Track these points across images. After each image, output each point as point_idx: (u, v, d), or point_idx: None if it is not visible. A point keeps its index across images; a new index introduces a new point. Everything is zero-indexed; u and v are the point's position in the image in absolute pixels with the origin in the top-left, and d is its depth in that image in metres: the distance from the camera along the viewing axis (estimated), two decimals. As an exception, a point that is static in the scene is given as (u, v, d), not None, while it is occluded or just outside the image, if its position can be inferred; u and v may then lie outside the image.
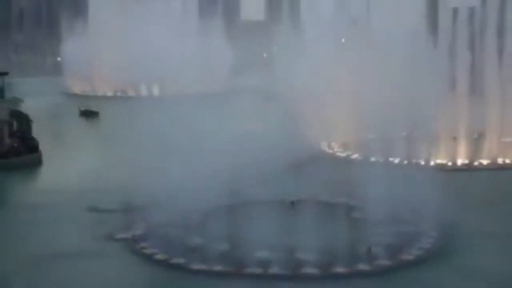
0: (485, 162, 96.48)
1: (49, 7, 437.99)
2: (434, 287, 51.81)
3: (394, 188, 78.76)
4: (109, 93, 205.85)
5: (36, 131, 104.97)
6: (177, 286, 53.11)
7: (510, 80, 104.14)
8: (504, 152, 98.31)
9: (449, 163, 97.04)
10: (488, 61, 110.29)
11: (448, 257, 57.54)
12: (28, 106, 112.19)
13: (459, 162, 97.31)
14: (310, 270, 53.41)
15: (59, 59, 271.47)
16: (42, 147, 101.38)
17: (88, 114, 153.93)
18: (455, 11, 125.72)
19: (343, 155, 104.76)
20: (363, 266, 54.62)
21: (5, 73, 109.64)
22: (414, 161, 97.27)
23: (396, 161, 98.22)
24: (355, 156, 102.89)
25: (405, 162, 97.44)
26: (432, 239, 61.59)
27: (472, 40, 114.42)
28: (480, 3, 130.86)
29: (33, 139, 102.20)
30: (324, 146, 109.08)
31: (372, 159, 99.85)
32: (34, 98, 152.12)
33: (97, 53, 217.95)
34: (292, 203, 72.50)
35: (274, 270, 53.55)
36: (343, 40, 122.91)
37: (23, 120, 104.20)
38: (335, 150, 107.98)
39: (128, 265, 56.96)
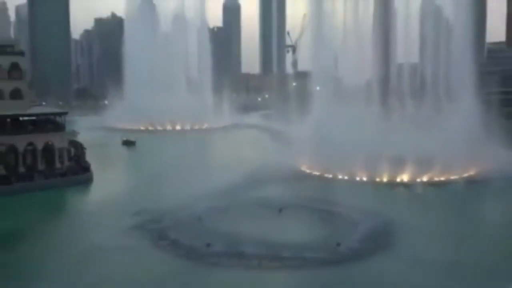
0: (425, 179, 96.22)
1: (99, 64, 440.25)
2: (386, 271, 51.54)
3: (355, 198, 79.05)
4: (142, 127, 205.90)
5: (89, 156, 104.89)
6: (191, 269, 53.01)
7: (449, 120, 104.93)
8: (439, 172, 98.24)
9: (398, 180, 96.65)
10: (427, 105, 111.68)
11: (397, 249, 57.60)
12: (82, 137, 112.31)
13: (406, 178, 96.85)
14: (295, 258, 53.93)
15: (106, 102, 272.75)
16: (93, 168, 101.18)
17: (128, 143, 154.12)
18: (401, 66, 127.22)
19: (317, 174, 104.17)
20: (332, 256, 54.81)
21: (65, 113, 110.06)
22: (372, 178, 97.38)
23: (358, 178, 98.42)
24: (326, 175, 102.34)
25: (364, 179, 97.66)
26: (385, 237, 61.52)
27: (414, 87, 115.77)
28: (419, 60, 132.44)
29: (86, 162, 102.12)
30: (303, 168, 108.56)
31: (339, 176, 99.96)
32: (87, 131, 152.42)
33: (134, 98, 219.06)
34: (280, 210, 72.29)
35: (264, 255, 53.89)
36: (318, 88, 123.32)
37: (79, 148, 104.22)
38: (312, 170, 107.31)
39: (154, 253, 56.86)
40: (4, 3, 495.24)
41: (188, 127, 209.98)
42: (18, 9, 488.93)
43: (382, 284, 49.54)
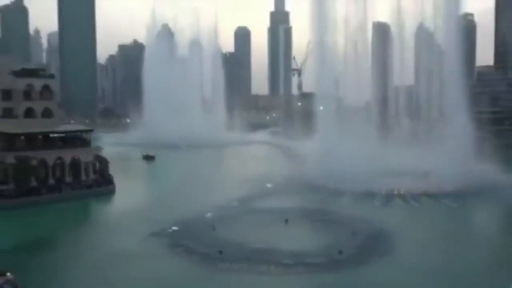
0: (420, 191, 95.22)
1: (122, 86, 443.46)
2: (384, 277, 50.88)
3: (356, 209, 78.33)
4: (161, 143, 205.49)
5: (112, 169, 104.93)
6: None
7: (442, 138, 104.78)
8: (433, 184, 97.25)
9: (395, 192, 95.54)
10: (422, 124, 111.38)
11: (394, 256, 56.94)
12: (106, 152, 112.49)
13: (402, 191, 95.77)
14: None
15: (128, 120, 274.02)
16: (116, 180, 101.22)
17: (148, 158, 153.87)
18: (397, 88, 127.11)
19: (321, 185, 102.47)
20: (335, 263, 54.31)
21: (91, 130, 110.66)
22: (371, 190, 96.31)
23: (358, 190, 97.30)
24: (330, 186, 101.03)
25: (364, 190, 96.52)
26: (384, 245, 60.97)
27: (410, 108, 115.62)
28: (414, 82, 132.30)
29: (109, 175, 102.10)
30: (309, 179, 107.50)
31: (342, 188, 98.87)
32: (110, 147, 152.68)
33: (153, 116, 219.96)
34: (286, 220, 71.64)
35: (271, 262, 53.60)
36: (321, 107, 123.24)
37: (103, 162, 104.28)
38: (316, 182, 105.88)
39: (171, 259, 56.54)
40: (38, 32, 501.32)
41: (203, 143, 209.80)
42: (49, 36, 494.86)
43: (380, 286, 49.04)
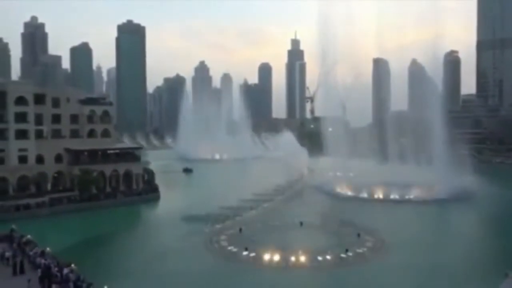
0: (411, 197, 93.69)
1: (166, 111, 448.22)
2: (384, 272, 49.78)
3: (359, 213, 76.97)
4: (198, 158, 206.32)
5: (157, 180, 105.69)
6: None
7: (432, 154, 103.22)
8: (424, 192, 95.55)
9: (391, 197, 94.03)
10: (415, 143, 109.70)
11: (391, 254, 55.59)
12: (153, 165, 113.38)
13: (397, 197, 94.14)
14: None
15: (170, 140, 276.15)
16: (161, 189, 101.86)
17: (187, 170, 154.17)
18: (394, 112, 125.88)
19: (331, 192, 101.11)
20: (342, 260, 53.25)
21: (141, 147, 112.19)
22: (371, 196, 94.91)
23: (360, 195, 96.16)
24: (340, 194, 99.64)
25: (365, 196, 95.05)
26: (384, 245, 59.74)
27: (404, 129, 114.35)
28: (408, 108, 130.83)
29: (155, 184, 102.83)
30: (318, 187, 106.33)
31: (347, 194, 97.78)
32: (156, 161, 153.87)
33: (191, 136, 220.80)
34: (301, 223, 70.98)
35: (289, 258, 52.62)
36: (330, 129, 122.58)
37: (150, 173, 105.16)
38: (326, 189, 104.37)
39: (205, 254, 56.30)
40: (100, 68, 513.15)
41: (232, 157, 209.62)
42: (109, 71, 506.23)
43: (382, 281, 47.94)
